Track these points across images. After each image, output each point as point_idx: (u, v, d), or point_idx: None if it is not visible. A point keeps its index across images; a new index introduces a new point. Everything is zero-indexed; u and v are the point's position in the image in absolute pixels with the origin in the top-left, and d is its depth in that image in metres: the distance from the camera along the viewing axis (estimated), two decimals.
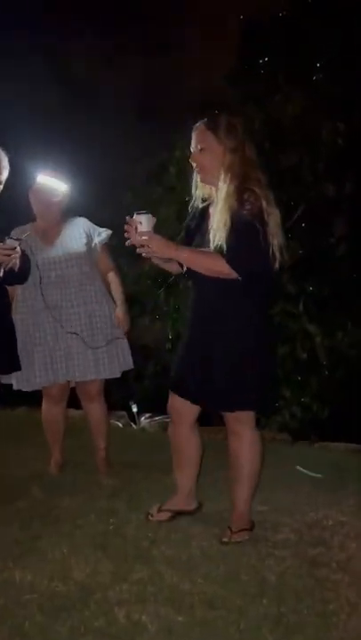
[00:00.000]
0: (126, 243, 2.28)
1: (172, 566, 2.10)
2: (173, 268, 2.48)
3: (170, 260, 2.39)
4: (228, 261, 2.20)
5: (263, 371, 2.33)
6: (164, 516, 2.52)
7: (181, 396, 2.45)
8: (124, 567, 2.11)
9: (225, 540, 2.30)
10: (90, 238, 3.15)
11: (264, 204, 2.22)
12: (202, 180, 2.38)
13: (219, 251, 2.20)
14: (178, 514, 2.54)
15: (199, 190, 2.43)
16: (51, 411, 3.22)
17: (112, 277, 3.22)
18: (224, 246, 2.19)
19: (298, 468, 3.23)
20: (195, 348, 2.39)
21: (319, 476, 3.13)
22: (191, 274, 2.35)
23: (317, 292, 5.43)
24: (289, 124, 5.39)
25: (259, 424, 5.12)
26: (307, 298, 5.39)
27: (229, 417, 2.38)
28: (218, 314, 2.31)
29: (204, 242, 2.32)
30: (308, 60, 5.98)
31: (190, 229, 2.44)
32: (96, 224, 3.23)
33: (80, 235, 3.13)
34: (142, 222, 2.23)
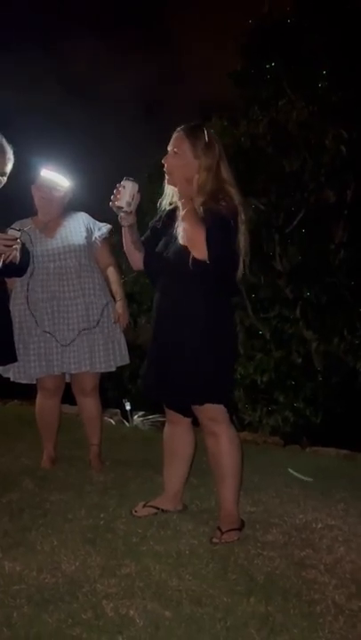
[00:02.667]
0: (110, 204, 2.33)
1: (161, 562, 2.11)
2: (136, 261, 2.49)
3: (137, 249, 2.44)
4: (207, 248, 2.21)
5: (228, 366, 2.38)
6: (147, 511, 2.53)
7: (150, 396, 2.50)
8: (112, 561, 2.12)
9: (215, 540, 2.30)
10: (90, 232, 3.17)
11: (239, 209, 2.29)
12: (168, 182, 2.44)
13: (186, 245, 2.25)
14: (162, 511, 2.55)
15: (167, 198, 2.48)
16: (45, 404, 3.23)
17: (111, 272, 3.23)
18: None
19: (289, 470, 3.24)
20: (161, 346, 2.42)
21: (310, 479, 3.15)
22: (162, 270, 2.40)
23: (315, 297, 5.46)
24: (293, 130, 5.42)
25: (251, 426, 5.18)
26: (304, 303, 5.42)
27: (204, 418, 2.40)
28: (184, 311, 2.34)
29: (171, 244, 2.36)
30: (313, 68, 6.02)
31: (156, 230, 2.48)
32: (98, 221, 3.25)
33: (80, 228, 3.15)
34: (125, 187, 2.31)
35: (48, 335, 3.05)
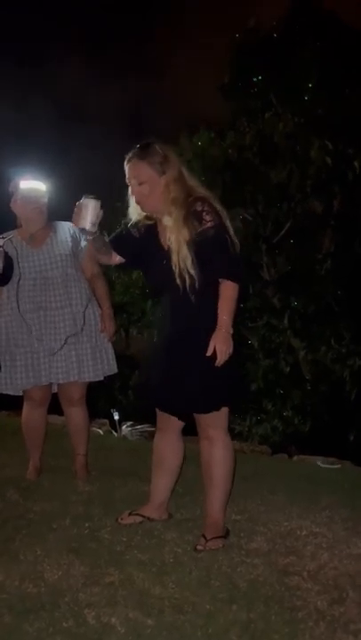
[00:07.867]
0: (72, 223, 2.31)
1: (145, 571, 2.11)
2: (107, 260, 2.51)
3: (104, 253, 2.46)
4: (229, 279, 2.28)
5: (233, 370, 2.35)
6: (133, 519, 2.53)
7: (154, 405, 2.49)
8: (96, 570, 2.11)
9: (200, 547, 2.31)
10: (76, 242, 3.17)
11: (220, 213, 2.29)
12: (143, 210, 2.37)
13: (185, 274, 2.24)
14: (148, 519, 2.54)
15: (135, 215, 2.42)
16: (31, 415, 3.22)
17: (97, 281, 3.23)
18: (191, 270, 2.23)
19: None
20: (166, 352, 2.40)
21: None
22: (164, 279, 2.37)
23: (302, 307, 5.49)
24: (279, 141, 5.48)
25: (241, 436, 5.18)
26: (292, 312, 5.45)
27: (203, 422, 2.40)
28: (191, 317, 2.33)
29: (163, 263, 2.31)
30: (299, 80, 6.10)
31: (135, 239, 2.42)
32: None
33: (66, 238, 3.15)
34: (87, 206, 2.24)
35: (35, 346, 3.05)
